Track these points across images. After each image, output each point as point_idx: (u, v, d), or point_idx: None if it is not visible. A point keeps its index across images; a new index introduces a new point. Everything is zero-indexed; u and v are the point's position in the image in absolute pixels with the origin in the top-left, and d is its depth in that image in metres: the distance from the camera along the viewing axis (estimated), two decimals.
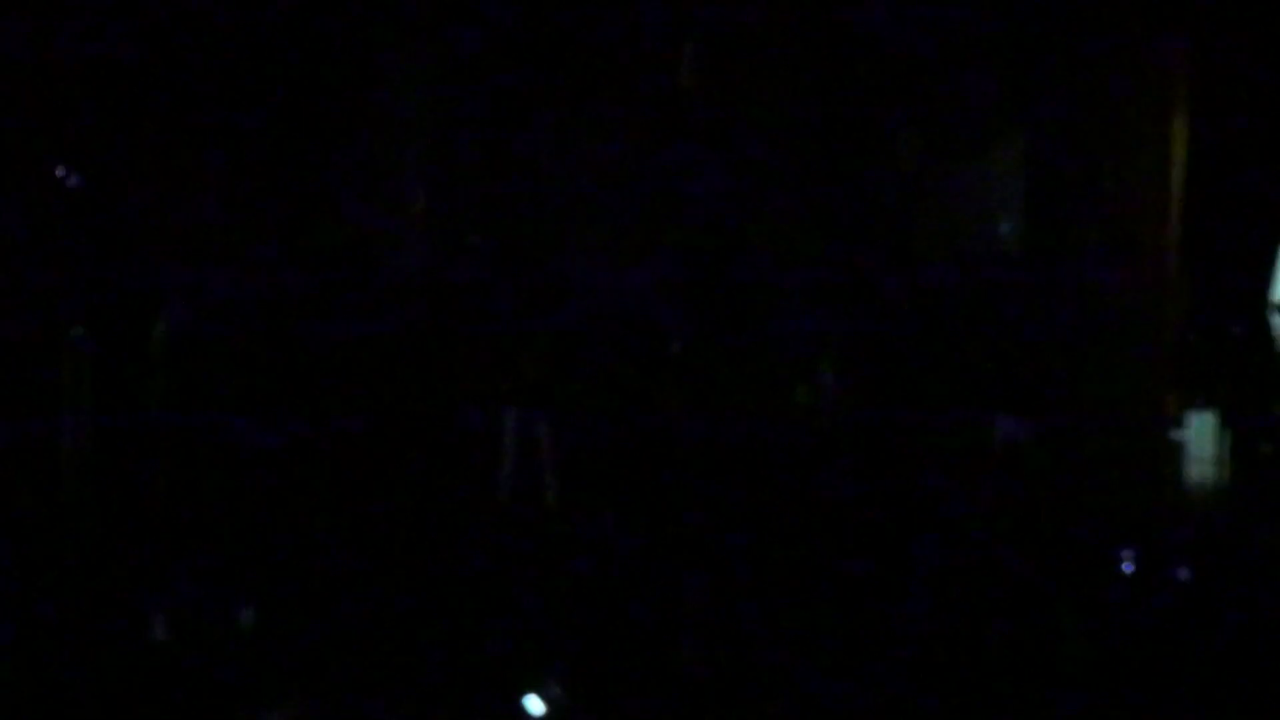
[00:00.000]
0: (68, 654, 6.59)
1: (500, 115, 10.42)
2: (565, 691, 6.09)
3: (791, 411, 9.36)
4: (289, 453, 9.58)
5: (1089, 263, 9.15)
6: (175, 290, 9.79)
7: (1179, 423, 9.68)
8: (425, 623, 7.05)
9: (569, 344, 10.22)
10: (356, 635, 6.81)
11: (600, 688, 6.46)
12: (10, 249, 9.41)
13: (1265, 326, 8.83)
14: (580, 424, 10.08)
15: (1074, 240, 9.17)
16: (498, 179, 10.53)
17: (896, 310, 9.67)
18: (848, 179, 9.82)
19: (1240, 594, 7.16)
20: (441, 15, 10.37)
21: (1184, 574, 7.56)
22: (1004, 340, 9.30)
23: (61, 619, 6.94)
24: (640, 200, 10.29)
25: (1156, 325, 9.31)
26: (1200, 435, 9.39)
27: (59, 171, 9.27)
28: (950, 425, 9.41)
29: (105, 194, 9.59)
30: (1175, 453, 9.58)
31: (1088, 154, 9.10)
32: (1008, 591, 7.32)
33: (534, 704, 6.36)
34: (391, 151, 10.45)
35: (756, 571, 7.72)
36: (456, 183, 10.64)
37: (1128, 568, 7.52)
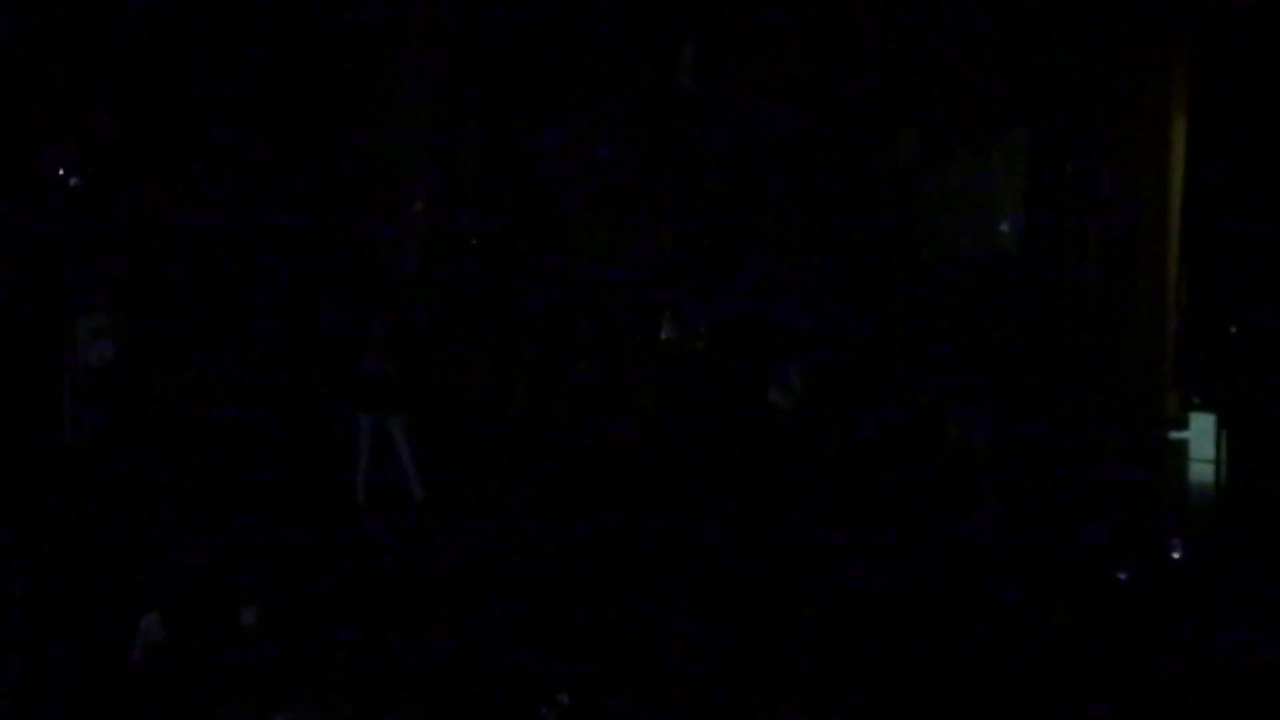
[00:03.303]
0: (68, 652, 6.60)
1: (500, 115, 10.47)
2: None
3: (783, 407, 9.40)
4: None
5: (1089, 263, 9.15)
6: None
7: (1179, 423, 9.72)
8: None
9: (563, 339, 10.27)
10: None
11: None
12: (12, 248, 9.45)
13: (1265, 327, 8.82)
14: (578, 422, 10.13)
15: (1074, 240, 9.17)
16: (496, 179, 10.58)
17: (896, 308, 9.69)
18: (848, 178, 9.83)
19: (1239, 592, 7.17)
20: (442, 16, 10.42)
21: (1182, 572, 7.57)
22: (1003, 340, 9.31)
23: (62, 618, 6.96)
24: (638, 199, 10.32)
25: (1156, 325, 9.31)
26: (1200, 435, 9.42)
27: (62, 172, 9.30)
28: (948, 424, 9.43)
29: (107, 193, 9.62)
30: (1175, 453, 9.61)
31: (1088, 154, 9.09)
32: (1005, 591, 7.33)
33: None
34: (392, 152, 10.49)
35: (742, 568, 7.76)
36: (457, 183, 10.68)
37: (1126, 567, 7.53)
